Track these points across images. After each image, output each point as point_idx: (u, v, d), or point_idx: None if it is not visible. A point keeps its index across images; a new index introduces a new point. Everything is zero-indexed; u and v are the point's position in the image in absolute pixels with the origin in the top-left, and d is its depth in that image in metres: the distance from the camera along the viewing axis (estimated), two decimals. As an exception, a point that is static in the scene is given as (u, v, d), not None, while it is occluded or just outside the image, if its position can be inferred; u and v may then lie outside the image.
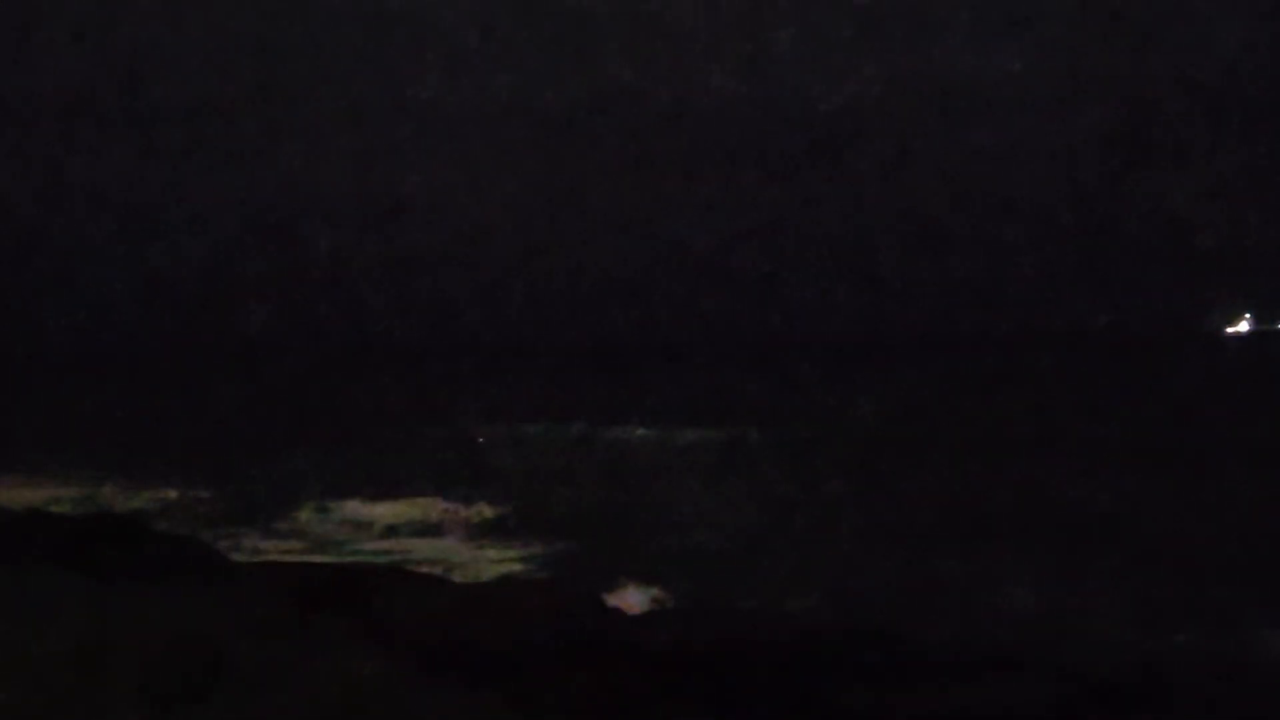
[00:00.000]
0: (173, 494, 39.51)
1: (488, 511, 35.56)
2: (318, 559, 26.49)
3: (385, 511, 35.64)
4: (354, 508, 36.40)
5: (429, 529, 33.25)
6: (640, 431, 51.52)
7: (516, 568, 27.13)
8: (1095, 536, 30.46)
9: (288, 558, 26.95)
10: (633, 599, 22.49)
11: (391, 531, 32.73)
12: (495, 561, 28.15)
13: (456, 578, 23.37)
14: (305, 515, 35.71)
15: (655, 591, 24.30)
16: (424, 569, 23.88)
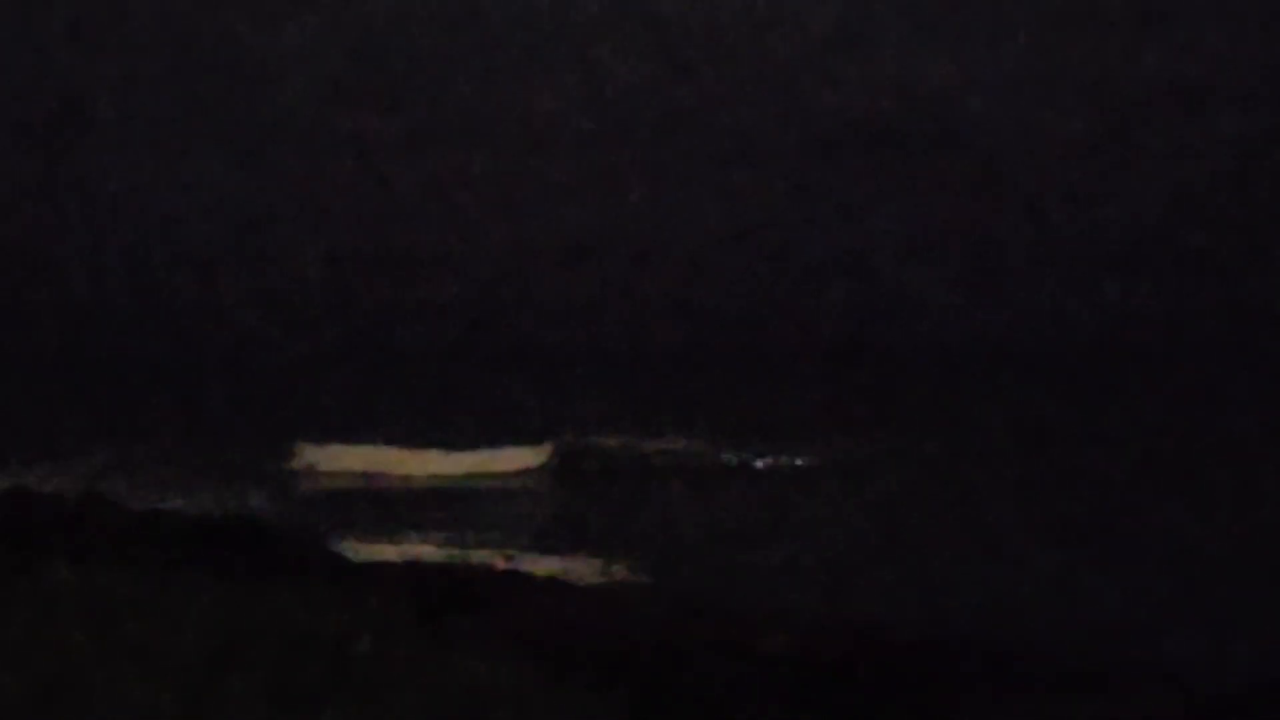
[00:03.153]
0: (279, 493, 39.93)
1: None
2: (431, 560, 26.59)
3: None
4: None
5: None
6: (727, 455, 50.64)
7: (623, 574, 27.07)
8: (1199, 544, 30.06)
9: (401, 558, 27.08)
10: None
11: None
12: (599, 569, 28.08)
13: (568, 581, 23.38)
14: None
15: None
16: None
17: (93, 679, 10.09)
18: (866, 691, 14.80)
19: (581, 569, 26.78)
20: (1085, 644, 19.51)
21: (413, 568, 19.69)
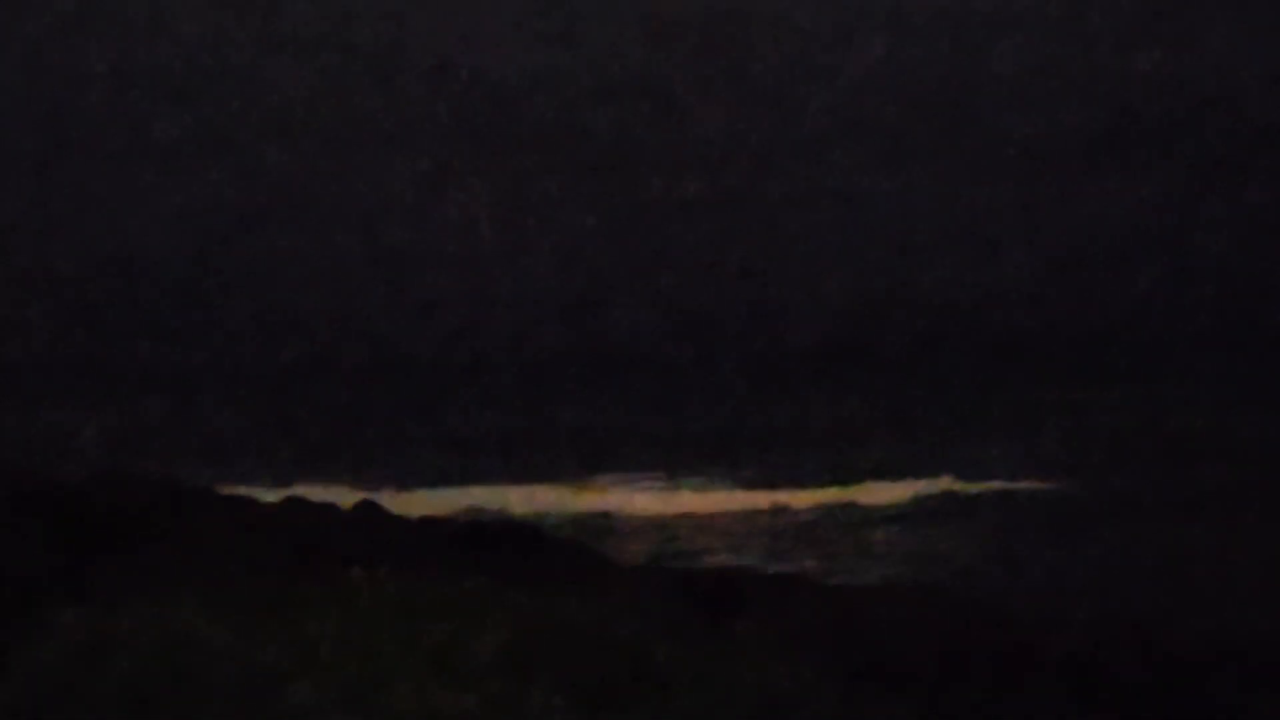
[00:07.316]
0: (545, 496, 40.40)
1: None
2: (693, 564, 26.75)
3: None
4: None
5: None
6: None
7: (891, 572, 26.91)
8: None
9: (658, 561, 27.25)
10: None
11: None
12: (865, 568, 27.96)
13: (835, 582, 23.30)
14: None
15: None
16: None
17: (398, 682, 10.32)
18: (1149, 694, 14.52)
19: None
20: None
21: (678, 570, 19.77)
